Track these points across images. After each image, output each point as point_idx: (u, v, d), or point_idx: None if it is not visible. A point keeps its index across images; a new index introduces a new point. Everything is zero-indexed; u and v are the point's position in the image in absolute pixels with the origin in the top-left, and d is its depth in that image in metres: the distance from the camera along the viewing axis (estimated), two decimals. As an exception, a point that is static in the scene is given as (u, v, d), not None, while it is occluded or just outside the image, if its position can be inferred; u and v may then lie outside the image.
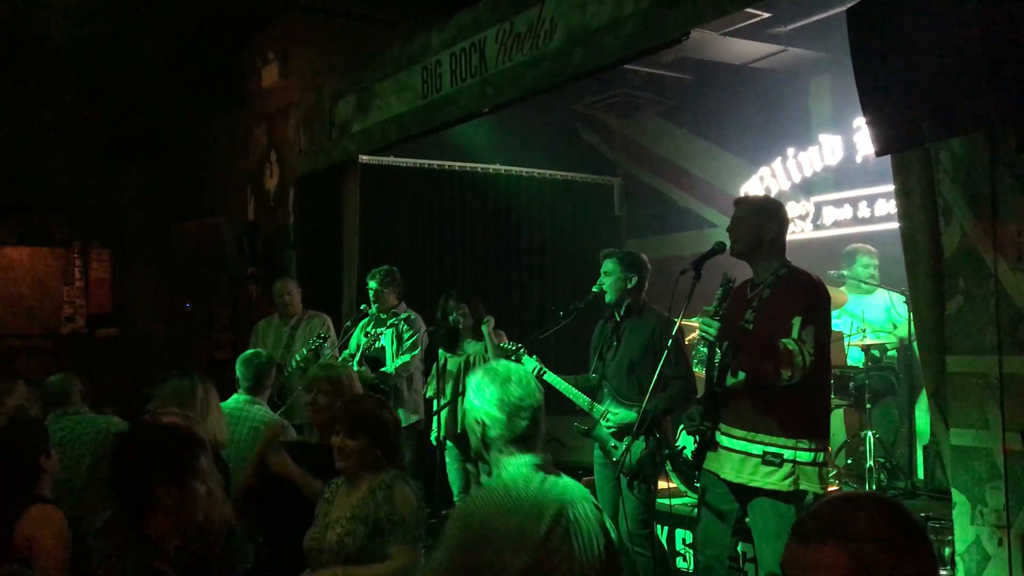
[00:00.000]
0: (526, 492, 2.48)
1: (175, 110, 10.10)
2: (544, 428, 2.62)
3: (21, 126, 10.12)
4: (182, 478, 2.48)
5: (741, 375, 3.87)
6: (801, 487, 3.71)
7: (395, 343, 6.44)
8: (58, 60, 9.35)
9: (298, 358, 6.66)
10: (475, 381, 2.63)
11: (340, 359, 6.47)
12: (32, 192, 10.66)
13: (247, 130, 9.73)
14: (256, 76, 9.45)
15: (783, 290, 3.82)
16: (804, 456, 3.73)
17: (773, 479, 3.73)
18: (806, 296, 3.79)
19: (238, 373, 4.98)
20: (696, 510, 4.23)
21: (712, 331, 3.73)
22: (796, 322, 3.67)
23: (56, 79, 9.90)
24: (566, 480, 2.62)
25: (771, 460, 3.73)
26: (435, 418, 6.28)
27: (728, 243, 4.25)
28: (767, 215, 3.96)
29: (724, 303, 3.83)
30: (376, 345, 6.45)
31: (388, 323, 6.46)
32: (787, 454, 3.73)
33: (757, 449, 3.78)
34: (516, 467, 2.54)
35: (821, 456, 3.78)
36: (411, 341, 6.40)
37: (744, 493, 3.86)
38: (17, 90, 9.80)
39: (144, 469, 2.48)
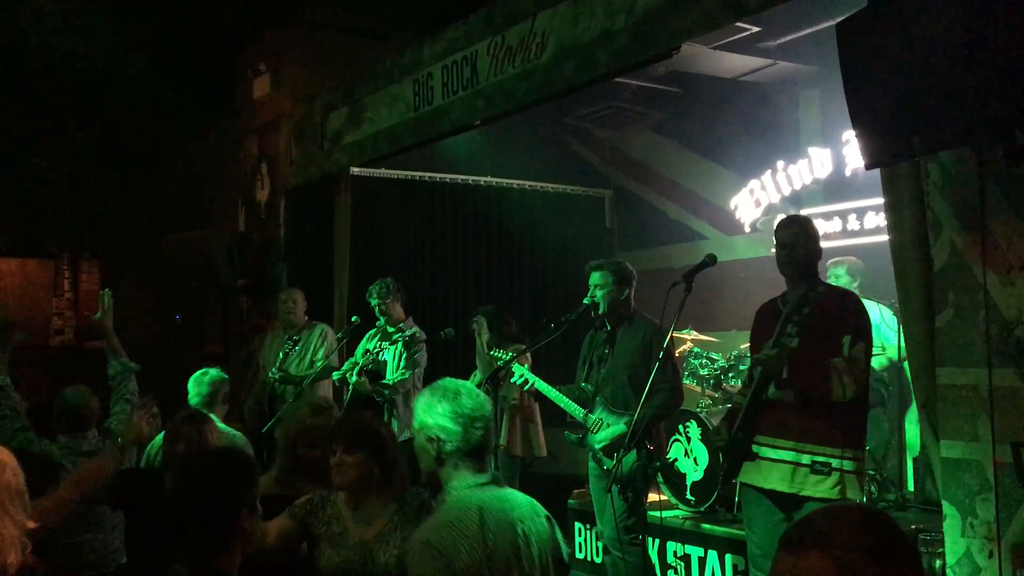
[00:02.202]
0: (472, 517, 2.48)
1: (166, 121, 10.10)
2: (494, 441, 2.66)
3: (10, 137, 10.10)
4: (255, 505, 2.42)
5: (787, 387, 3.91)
6: (848, 495, 3.78)
7: (398, 359, 6.42)
8: (49, 71, 9.33)
9: (274, 370, 6.63)
10: (423, 400, 2.63)
11: (344, 368, 6.45)
12: (21, 203, 10.63)
13: (238, 142, 9.73)
14: (248, 88, 9.45)
15: (828, 308, 3.86)
16: (849, 465, 3.82)
17: (823, 488, 3.80)
18: (855, 315, 3.89)
19: (190, 390, 5.01)
20: (747, 531, 4.23)
21: (772, 362, 3.79)
22: (847, 340, 3.78)
23: (47, 90, 9.87)
24: (515, 496, 2.64)
25: (820, 469, 3.80)
26: None
27: (717, 257, 4.29)
28: (814, 236, 4.07)
29: (798, 309, 3.85)
30: (380, 358, 6.44)
31: (393, 338, 6.43)
32: (835, 463, 3.81)
33: (806, 459, 3.84)
34: (461, 491, 2.55)
35: (862, 466, 3.89)
36: (412, 359, 6.37)
37: (792, 503, 3.89)
38: (7, 101, 9.78)
39: (234, 497, 2.37)
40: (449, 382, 2.66)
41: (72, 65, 9.04)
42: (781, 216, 7.56)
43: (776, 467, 3.92)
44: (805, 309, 3.87)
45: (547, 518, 2.66)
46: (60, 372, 10.47)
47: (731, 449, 4.07)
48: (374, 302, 6.50)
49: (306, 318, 7.11)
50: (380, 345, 6.46)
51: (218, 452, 3.05)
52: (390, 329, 6.50)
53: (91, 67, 9.09)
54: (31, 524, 2.44)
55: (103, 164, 10.85)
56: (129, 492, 3.94)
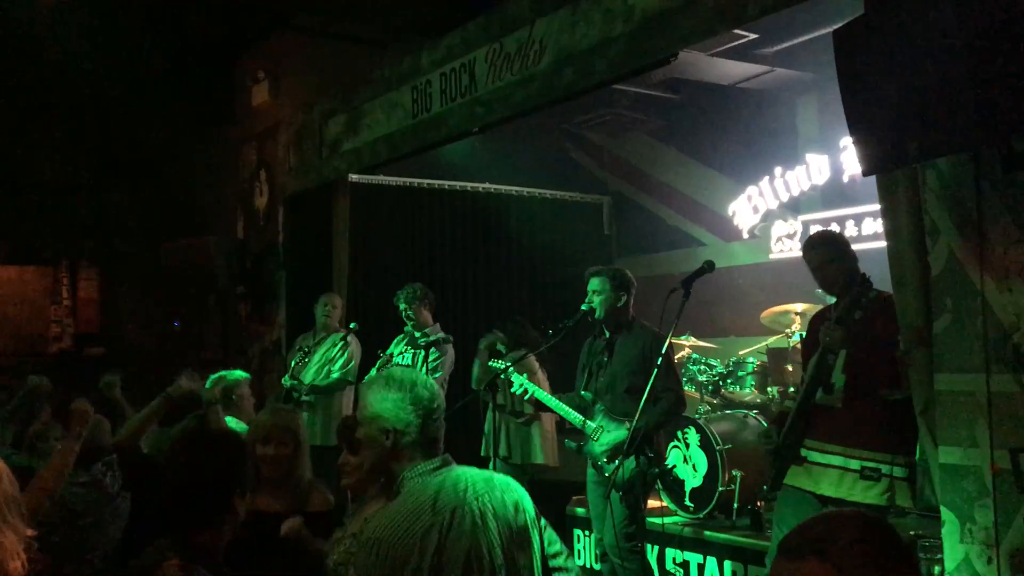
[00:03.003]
0: (425, 506, 2.28)
1: (165, 128, 10.11)
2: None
3: (9, 144, 10.10)
4: (245, 488, 2.45)
5: (838, 387, 3.89)
6: (897, 502, 3.78)
7: (421, 364, 6.40)
8: (48, 79, 9.34)
9: (309, 377, 6.63)
10: (376, 391, 2.53)
11: (376, 367, 6.42)
12: (19, 210, 10.62)
13: (237, 149, 9.74)
14: (246, 95, 9.47)
15: (881, 310, 3.87)
16: (900, 471, 3.81)
17: (872, 494, 3.79)
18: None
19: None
20: (774, 530, 4.21)
21: (837, 337, 3.77)
22: (900, 340, 3.76)
23: (45, 97, 9.89)
24: (469, 474, 2.41)
25: (870, 475, 3.80)
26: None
27: (715, 263, 4.30)
28: (842, 248, 4.08)
29: (849, 312, 3.85)
30: (403, 363, 6.43)
31: (420, 342, 6.42)
32: (884, 468, 3.80)
33: (855, 464, 3.84)
34: (415, 479, 2.45)
35: (913, 473, 3.86)
36: (433, 364, 6.35)
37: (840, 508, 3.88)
38: (6, 108, 9.79)
39: (228, 477, 2.42)
40: (398, 371, 2.60)
41: (71, 73, 9.04)
42: (779, 222, 7.63)
43: (826, 472, 3.91)
44: (857, 314, 3.88)
45: (510, 488, 2.41)
46: (58, 379, 10.46)
47: (780, 454, 4.06)
48: (402, 307, 6.50)
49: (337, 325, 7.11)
50: (389, 352, 6.47)
51: (215, 434, 3.08)
52: (416, 335, 6.49)
53: (90, 74, 9.10)
54: (30, 532, 2.46)
55: (102, 171, 10.85)
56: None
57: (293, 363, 6.80)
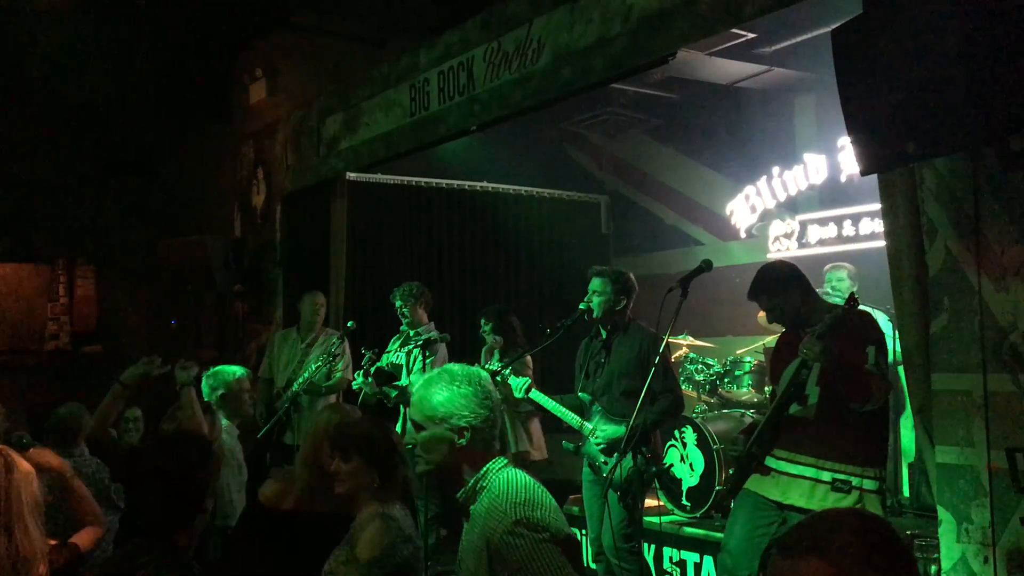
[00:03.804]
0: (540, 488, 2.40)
1: (162, 126, 10.10)
2: None
3: (6, 141, 10.08)
4: (212, 486, 2.50)
5: (812, 400, 3.91)
6: None
7: (413, 362, 6.40)
8: (45, 77, 9.33)
9: (305, 375, 6.62)
10: (441, 389, 2.45)
11: (358, 376, 6.40)
12: (16, 208, 10.60)
13: (234, 147, 9.73)
14: (244, 93, 9.46)
15: (848, 323, 3.86)
16: (870, 484, 3.83)
17: (843, 506, 3.78)
18: (874, 329, 3.92)
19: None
20: (726, 533, 4.23)
21: (816, 351, 3.77)
22: (871, 351, 3.79)
23: (43, 96, 9.88)
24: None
25: (840, 487, 3.81)
26: None
27: (713, 262, 4.31)
28: (791, 282, 4.08)
29: (832, 328, 3.84)
30: (396, 361, 6.43)
31: (413, 340, 6.41)
32: (855, 481, 3.81)
33: (827, 476, 3.84)
34: (502, 471, 2.42)
35: (883, 486, 3.92)
36: (428, 363, 6.34)
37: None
38: (2, 107, 9.77)
39: (202, 478, 2.47)
40: (458, 368, 2.52)
41: (69, 71, 9.03)
42: (777, 222, 7.63)
43: (796, 483, 3.93)
44: (827, 317, 3.89)
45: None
46: (54, 378, 10.45)
47: (743, 462, 4.09)
48: (398, 304, 6.49)
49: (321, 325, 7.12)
50: (397, 348, 6.47)
51: (188, 433, 3.09)
52: (411, 333, 6.49)
53: (88, 73, 9.09)
54: (52, 541, 2.55)
55: (99, 169, 10.83)
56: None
57: (294, 362, 6.77)
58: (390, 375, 6.40)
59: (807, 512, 3.85)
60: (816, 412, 3.89)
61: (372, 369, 6.34)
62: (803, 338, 3.91)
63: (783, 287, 4.07)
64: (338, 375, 6.69)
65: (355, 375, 6.42)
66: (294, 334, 7.12)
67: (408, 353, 6.41)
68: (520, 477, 2.40)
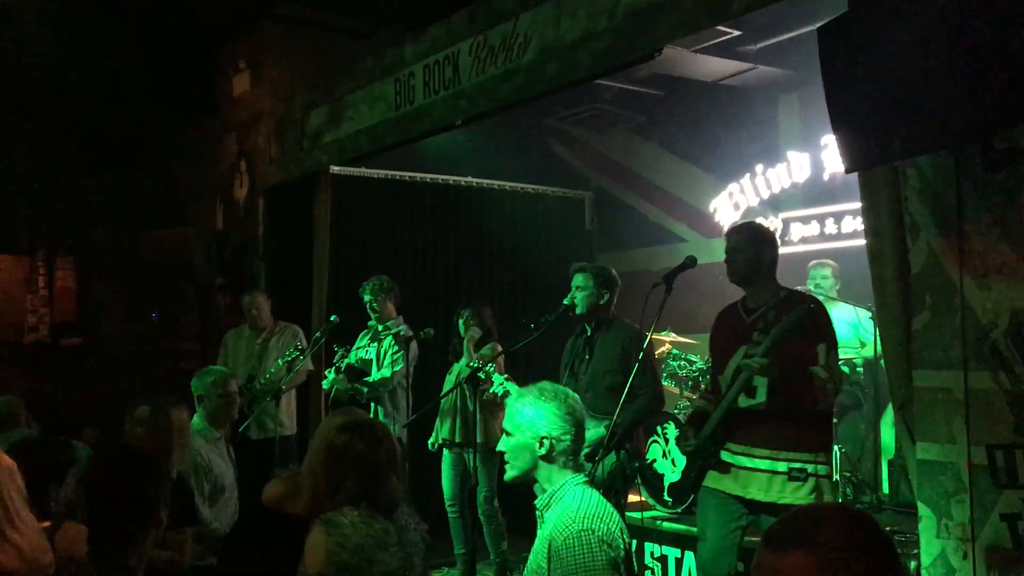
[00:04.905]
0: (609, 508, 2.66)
1: (144, 118, 10.00)
2: None
3: (-14, 132, 9.99)
4: (167, 502, 2.45)
5: (761, 393, 3.91)
6: (825, 499, 3.83)
7: (382, 357, 6.39)
8: (26, 67, 9.24)
9: (272, 370, 6.62)
10: (530, 400, 2.74)
11: (329, 373, 6.39)
12: (-4, 199, 10.51)
13: (217, 139, 9.66)
14: (227, 85, 9.39)
15: (796, 317, 3.85)
16: (823, 469, 3.90)
17: (800, 494, 3.84)
18: (826, 323, 3.96)
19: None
20: (700, 534, 4.23)
21: (756, 368, 3.78)
22: (822, 349, 3.85)
23: (23, 85, 9.78)
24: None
25: (796, 476, 3.86)
26: (435, 424, 6.25)
27: (697, 258, 4.32)
28: (764, 242, 4.14)
29: (778, 340, 3.82)
30: (365, 356, 6.41)
31: (381, 335, 6.40)
32: (810, 468, 3.87)
33: (782, 467, 3.88)
34: (577, 486, 2.68)
35: (830, 470, 3.99)
36: (394, 357, 6.33)
37: (770, 512, 3.90)
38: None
39: (155, 493, 2.42)
40: (548, 385, 2.81)
41: (50, 61, 8.95)
42: (759, 220, 7.65)
43: (754, 476, 3.95)
44: (771, 314, 3.90)
45: None
46: (34, 370, 10.36)
47: (697, 456, 4.09)
48: (367, 298, 6.48)
49: (272, 319, 7.12)
50: (366, 344, 6.45)
51: (137, 450, 3.01)
52: (380, 328, 6.48)
53: (69, 63, 9.00)
54: (45, 523, 2.49)
55: (80, 160, 10.72)
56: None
57: (247, 359, 6.80)
58: (360, 371, 6.40)
59: (768, 505, 3.89)
60: (766, 406, 3.92)
61: (343, 365, 6.33)
62: (741, 324, 3.98)
63: (766, 245, 4.13)
64: (299, 367, 6.68)
65: (326, 372, 6.42)
66: (247, 331, 7.15)
67: (379, 348, 6.40)
68: (593, 495, 2.68)
